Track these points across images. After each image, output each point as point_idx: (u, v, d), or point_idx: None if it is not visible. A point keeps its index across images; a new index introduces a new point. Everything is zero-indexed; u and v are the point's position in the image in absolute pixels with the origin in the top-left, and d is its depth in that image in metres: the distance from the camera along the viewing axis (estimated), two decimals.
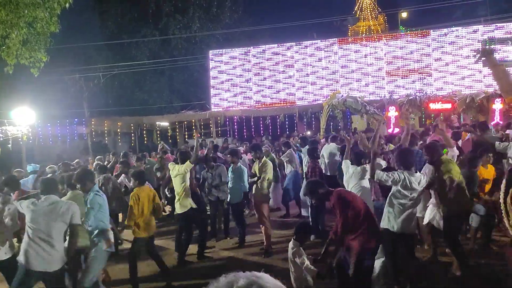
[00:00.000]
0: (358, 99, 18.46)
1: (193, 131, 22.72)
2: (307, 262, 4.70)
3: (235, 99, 22.48)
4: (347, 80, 21.48)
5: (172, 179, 7.56)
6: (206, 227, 8.30)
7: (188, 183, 7.49)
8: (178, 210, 7.43)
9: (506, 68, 13.17)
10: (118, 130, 21.72)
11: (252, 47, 22.57)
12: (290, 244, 4.91)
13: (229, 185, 8.31)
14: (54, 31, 10.60)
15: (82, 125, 21.05)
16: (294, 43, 22.10)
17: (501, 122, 14.58)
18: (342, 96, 19.02)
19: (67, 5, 10.09)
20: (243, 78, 22.50)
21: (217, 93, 22.65)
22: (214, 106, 22.30)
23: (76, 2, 10.48)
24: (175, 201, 7.51)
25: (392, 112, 17.03)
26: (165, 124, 23.01)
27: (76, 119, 20.98)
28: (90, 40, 21.50)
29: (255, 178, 7.80)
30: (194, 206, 7.46)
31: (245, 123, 21.60)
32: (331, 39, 22.03)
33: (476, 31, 19.98)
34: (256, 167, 7.92)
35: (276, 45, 22.36)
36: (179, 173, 7.38)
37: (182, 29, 25.69)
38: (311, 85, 21.89)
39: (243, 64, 22.54)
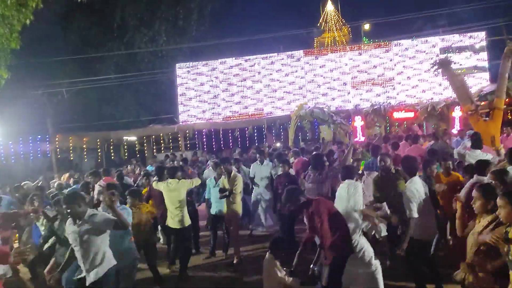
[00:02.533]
0: (325, 109, 18.79)
1: (162, 145, 22.57)
2: (284, 275, 4.70)
3: (204, 113, 22.46)
4: (314, 91, 21.86)
5: (166, 194, 7.27)
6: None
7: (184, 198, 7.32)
8: (177, 225, 7.15)
9: (463, 78, 13.70)
10: (84, 146, 21.28)
11: (219, 62, 22.68)
12: (266, 257, 4.89)
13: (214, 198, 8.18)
14: (14, 47, 10.35)
15: (45, 142, 20.51)
16: (261, 57, 22.36)
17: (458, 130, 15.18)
18: (309, 107, 19.32)
19: (28, 21, 9.89)
20: (211, 92, 22.54)
21: (185, 108, 22.57)
22: (183, 120, 22.21)
23: (39, 17, 10.28)
24: (169, 217, 7.31)
25: (358, 122, 17.44)
26: (132, 138, 22.72)
27: (39, 136, 20.42)
28: (54, 55, 21.06)
29: (226, 193, 7.76)
30: (190, 222, 7.33)
31: (213, 135, 21.61)
32: (297, 51, 22.41)
33: (435, 45, 20.86)
34: (225, 181, 7.89)
35: (242, 59, 22.56)
36: (177, 188, 7.18)
37: (148, 43, 25.52)
38: (279, 98, 22.15)
39: (211, 79, 22.60)
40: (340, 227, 4.95)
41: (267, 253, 4.94)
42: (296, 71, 22.12)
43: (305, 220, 5.13)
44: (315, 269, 5.05)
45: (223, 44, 25.72)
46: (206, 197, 8.81)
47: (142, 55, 25.73)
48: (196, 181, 7.72)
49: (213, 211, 8.22)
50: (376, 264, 5.36)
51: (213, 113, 22.42)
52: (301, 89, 21.94)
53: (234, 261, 7.69)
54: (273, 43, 24.38)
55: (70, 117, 22.79)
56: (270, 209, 9.47)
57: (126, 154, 23.12)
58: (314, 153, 7.82)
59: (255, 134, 22.00)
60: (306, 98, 21.37)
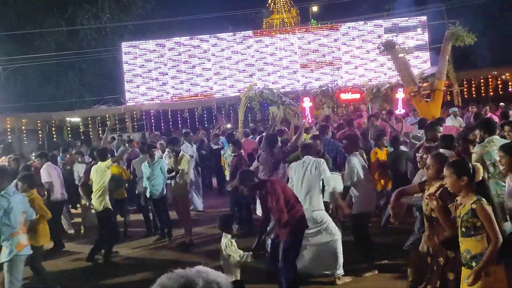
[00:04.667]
0: (274, 90, 18.89)
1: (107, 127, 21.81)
2: (240, 252, 4.69)
3: (152, 94, 21.89)
4: (263, 72, 21.87)
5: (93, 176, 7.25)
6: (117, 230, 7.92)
7: (107, 181, 7.20)
8: (98, 207, 7.16)
9: (406, 60, 14.22)
10: (23, 127, 20.17)
11: (166, 40, 22.08)
12: (223, 238, 4.84)
13: (151, 179, 8.04)
14: None
15: None
16: (209, 36, 22.00)
17: (403, 111, 15.82)
18: (259, 88, 19.34)
19: None
20: (159, 72, 21.96)
21: (132, 88, 21.89)
22: (129, 101, 21.56)
23: None
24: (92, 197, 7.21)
25: (307, 103, 17.68)
26: (76, 120, 21.81)
27: None
28: None
29: (173, 173, 7.70)
30: (110, 206, 7.24)
31: (162, 117, 21.18)
32: (246, 32, 22.26)
33: (379, 29, 21.43)
34: (172, 162, 7.83)
35: (190, 37, 22.11)
36: (99, 170, 7.11)
37: (91, 19, 24.34)
38: (228, 78, 21.98)
39: (158, 58, 21.98)
40: (294, 205, 5.05)
41: (223, 232, 4.89)
42: (245, 52, 21.98)
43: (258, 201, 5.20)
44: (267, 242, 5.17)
45: (170, 22, 25.05)
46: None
47: (85, 32, 24.52)
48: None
49: (150, 193, 8.09)
50: (338, 232, 5.66)
51: (161, 94, 21.91)
52: (250, 66, 21.89)
53: (186, 241, 7.67)
54: (222, 24, 24.09)
55: (7, 97, 21.46)
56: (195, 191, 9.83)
57: (70, 136, 22.18)
58: (266, 132, 7.83)
59: (205, 115, 21.79)
60: (255, 79, 21.36)
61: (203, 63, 21.91)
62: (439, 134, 6.30)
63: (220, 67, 21.90)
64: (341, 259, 5.60)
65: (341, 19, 22.52)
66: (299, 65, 21.67)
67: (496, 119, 7.96)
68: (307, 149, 5.99)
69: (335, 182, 5.94)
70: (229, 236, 4.76)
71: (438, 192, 3.88)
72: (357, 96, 18.58)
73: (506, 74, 21.04)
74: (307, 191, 5.64)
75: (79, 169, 9.59)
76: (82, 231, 9.22)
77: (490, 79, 21.12)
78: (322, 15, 24.58)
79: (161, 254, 7.52)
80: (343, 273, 5.59)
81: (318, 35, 21.82)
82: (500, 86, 21.41)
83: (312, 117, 16.37)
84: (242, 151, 8.53)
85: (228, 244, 4.67)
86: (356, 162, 5.89)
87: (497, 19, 21.76)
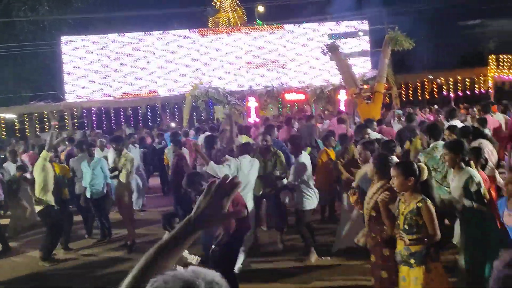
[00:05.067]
0: (220, 89, 18.84)
1: (45, 124, 20.80)
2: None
3: (93, 90, 21.12)
4: (209, 71, 21.76)
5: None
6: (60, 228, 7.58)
7: (48, 177, 6.87)
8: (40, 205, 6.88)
9: (349, 63, 14.64)
10: None
11: (109, 36, 21.39)
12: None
13: (91, 179, 7.74)
14: None
15: None
16: (156, 33, 21.61)
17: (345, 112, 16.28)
18: (204, 86, 19.21)
19: None
20: (101, 68, 21.24)
21: (73, 84, 21.01)
22: (70, 93, 20.66)
23: None
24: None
25: (252, 103, 17.76)
26: (11, 116, 20.62)
27: None
28: None
29: (116, 172, 7.48)
30: (53, 203, 6.92)
31: (104, 115, 20.50)
32: (191, 30, 22.05)
33: (323, 33, 21.98)
34: (116, 160, 7.61)
35: (135, 34, 21.58)
36: (37, 165, 6.81)
37: (27, 11, 23.07)
38: (174, 76, 21.66)
39: (100, 54, 21.26)
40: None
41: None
42: (190, 49, 21.76)
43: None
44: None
45: (114, 18, 24.27)
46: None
47: (21, 25, 23.20)
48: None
49: (90, 193, 7.80)
50: None
51: (103, 91, 21.19)
52: (196, 64, 21.71)
53: (128, 242, 7.46)
54: (167, 21, 23.67)
55: None
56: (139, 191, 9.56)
57: (4, 133, 20.93)
58: (206, 134, 7.79)
59: (149, 113, 21.36)
60: (201, 77, 21.22)
61: (148, 60, 21.48)
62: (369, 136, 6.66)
63: (165, 64, 21.56)
64: None
65: (286, 20, 22.84)
66: (244, 64, 21.76)
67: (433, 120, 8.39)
68: (244, 149, 6.09)
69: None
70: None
71: (383, 191, 4.01)
72: (302, 96, 18.93)
73: (441, 78, 22.30)
74: (244, 189, 5.70)
75: (11, 168, 9.09)
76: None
77: (426, 83, 22.28)
78: (268, 16, 24.83)
79: (102, 257, 7.27)
80: None
81: (264, 35, 22.02)
82: (435, 89, 22.65)
83: (258, 117, 16.48)
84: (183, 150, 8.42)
85: None
86: (303, 160, 6.16)
87: (434, 26, 22.97)
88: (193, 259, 4.51)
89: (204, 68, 21.76)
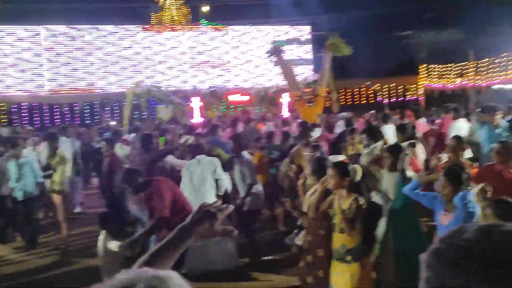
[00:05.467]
0: (163, 88, 18.46)
1: None
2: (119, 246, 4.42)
3: (24, 86, 19.90)
4: (152, 69, 21.28)
5: None
6: None
7: None
8: None
9: (292, 67, 14.91)
10: None
11: (44, 28, 20.28)
12: (100, 236, 4.54)
13: (19, 179, 7.24)
14: None
15: None
16: (93, 27, 20.78)
17: (288, 114, 16.53)
18: (147, 85, 18.74)
19: None
20: (33, 62, 20.08)
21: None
22: None
23: None
24: None
25: (196, 103, 17.52)
26: None
27: None
28: None
29: (50, 171, 7.09)
30: None
31: (37, 111, 19.40)
32: (134, 25, 21.47)
33: (267, 33, 22.23)
34: (49, 159, 7.22)
35: (73, 28, 20.63)
36: None
37: None
38: (114, 70, 20.95)
39: (33, 46, 20.09)
40: (183, 206, 4.91)
41: (102, 231, 4.59)
42: (132, 46, 21.17)
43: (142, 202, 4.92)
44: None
45: (49, 8, 23.00)
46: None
47: None
48: None
49: (18, 194, 7.29)
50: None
51: (36, 85, 20.03)
52: (137, 65, 21.14)
53: (63, 245, 7.08)
54: (109, 15, 22.81)
55: None
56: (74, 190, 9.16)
57: None
58: (143, 132, 7.58)
59: (86, 111, 20.50)
60: (143, 72, 20.73)
61: (86, 56, 20.62)
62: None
63: (105, 61, 20.80)
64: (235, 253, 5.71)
65: (231, 21, 22.86)
66: (188, 63, 21.52)
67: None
68: (197, 149, 5.99)
69: (225, 181, 6.02)
70: (108, 233, 4.48)
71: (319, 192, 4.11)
72: (246, 98, 19.00)
73: (377, 84, 23.35)
74: (201, 188, 5.63)
75: None
76: None
77: (363, 89, 23.23)
78: (213, 16, 24.67)
79: (32, 261, 6.83)
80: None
81: (209, 35, 21.91)
82: (371, 95, 23.68)
83: (202, 117, 16.29)
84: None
85: (107, 240, 4.41)
86: (247, 158, 6.23)
87: (371, 36, 23.95)
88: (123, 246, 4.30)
89: (146, 66, 21.23)
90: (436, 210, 3.86)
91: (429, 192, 4.23)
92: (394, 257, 4.37)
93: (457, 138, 5.41)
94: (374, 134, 5.98)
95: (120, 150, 8.70)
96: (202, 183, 5.66)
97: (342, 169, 3.86)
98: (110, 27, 21.02)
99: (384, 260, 4.42)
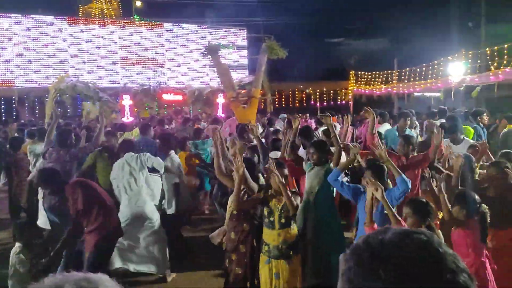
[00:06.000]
0: (90, 85, 17.52)
1: None
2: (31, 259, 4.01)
3: None
4: (78, 64, 20.16)
5: None
6: None
7: None
8: None
9: (227, 67, 14.78)
10: None
11: None
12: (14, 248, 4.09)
13: None
14: None
15: None
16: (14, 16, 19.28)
17: (223, 115, 16.38)
18: (72, 80, 17.68)
19: None
20: None
21: None
22: None
23: None
24: None
25: (127, 101, 16.81)
26: None
27: None
28: None
29: None
30: None
31: None
32: (59, 17, 20.22)
33: (203, 36, 21.95)
34: None
35: None
36: None
37: None
38: (35, 66, 19.57)
39: None
40: (104, 211, 4.53)
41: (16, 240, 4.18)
42: (56, 38, 19.91)
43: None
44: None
45: None
46: None
47: None
48: None
49: None
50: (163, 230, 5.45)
51: None
52: (62, 57, 19.94)
53: None
54: (31, 6, 21.35)
55: None
56: None
57: None
58: (60, 129, 7.04)
59: (3, 107, 18.98)
60: (68, 66, 19.60)
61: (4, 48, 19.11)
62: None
63: (25, 53, 19.36)
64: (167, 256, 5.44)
65: (165, 19, 22.29)
66: (119, 58, 20.67)
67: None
68: (126, 146, 5.66)
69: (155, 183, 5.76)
70: (20, 243, 4.07)
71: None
72: (180, 97, 18.59)
73: (310, 88, 23.92)
74: (131, 187, 5.31)
75: None
76: None
77: (297, 92, 23.72)
78: (146, 12, 23.92)
79: None
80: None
81: (141, 30, 21.18)
82: (304, 98, 24.26)
83: (132, 116, 15.66)
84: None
85: (16, 252, 3.98)
86: (174, 159, 6.03)
87: (305, 40, 24.54)
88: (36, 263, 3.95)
89: (72, 60, 20.07)
90: (359, 202, 3.95)
91: (352, 184, 4.32)
92: (315, 250, 4.42)
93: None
94: (308, 135, 6.13)
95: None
96: (131, 182, 5.35)
97: (279, 167, 3.91)
98: (29, 17, 19.64)
99: (308, 253, 4.46)
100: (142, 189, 5.38)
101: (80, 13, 23.80)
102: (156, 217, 5.45)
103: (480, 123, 7.64)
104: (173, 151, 6.24)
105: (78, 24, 20.55)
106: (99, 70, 20.50)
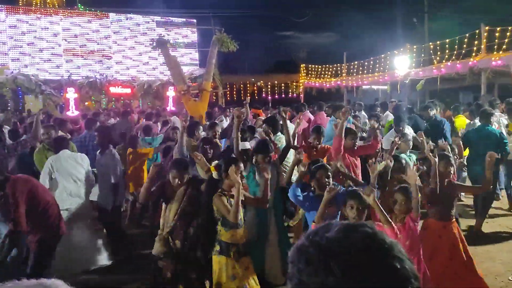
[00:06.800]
0: (32, 77, 16.66)
1: None
2: None
3: None
4: (17, 55, 19.11)
5: None
6: None
7: None
8: None
9: (177, 60, 14.53)
10: None
11: None
12: None
13: None
14: None
15: None
16: None
17: (173, 109, 16.10)
18: (12, 72, 16.74)
19: None
20: None
21: None
22: None
23: None
24: None
25: (71, 94, 16.12)
26: None
27: None
28: None
29: None
30: None
31: None
32: None
33: (153, 27, 21.39)
34: None
35: None
36: None
37: None
38: None
39: None
40: (47, 209, 4.33)
41: None
42: None
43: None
44: None
45: None
46: None
47: None
48: None
49: None
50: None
51: None
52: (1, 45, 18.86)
53: None
54: None
55: None
56: None
57: None
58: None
59: None
60: (7, 57, 18.52)
61: None
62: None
63: None
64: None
65: (112, 8, 21.53)
66: (62, 50, 19.78)
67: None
68: (60, 143, 5.41)
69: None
70: None
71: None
72: (128, 90, 18.08)
73: (261, 81, 23.99)
74: (74, 185, 5.22)
75: None
76: None
77: (248, 85, 23.71)
78: (91, 1, 22.99)
79: None
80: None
81: (87, 21, 20.36)
82: (256, 91, 24.30)
83: (77, 109, 15.05)
84: None
85: None
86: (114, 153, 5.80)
87: (256, 33, 24.60)
88: None
89: (11, 52, 19.00)
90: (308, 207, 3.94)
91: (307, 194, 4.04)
92: (276, 250, 4.46)
93: (317, 128, 5.95)
94: (274, 125, 6.19)
95: None
96: (75, 179, 5.28)
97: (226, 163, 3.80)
98: None
99: (270, 253, 4.47)
100: (78, 186, 5.29)
101: (20, 2, 22.53)
102: (92, 213, 5.48)
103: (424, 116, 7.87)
104: (111, 146, 5.91)
105: (18, 14, 19.45)
106: (41, 62, 19.53)
